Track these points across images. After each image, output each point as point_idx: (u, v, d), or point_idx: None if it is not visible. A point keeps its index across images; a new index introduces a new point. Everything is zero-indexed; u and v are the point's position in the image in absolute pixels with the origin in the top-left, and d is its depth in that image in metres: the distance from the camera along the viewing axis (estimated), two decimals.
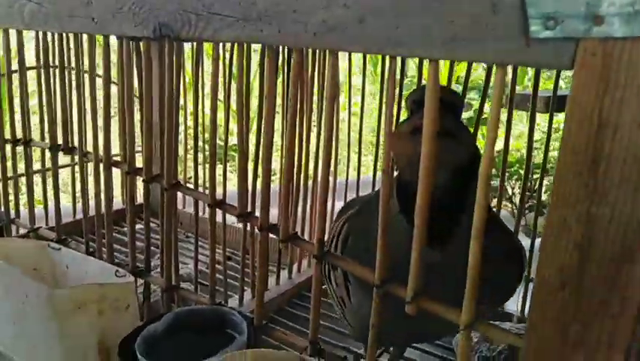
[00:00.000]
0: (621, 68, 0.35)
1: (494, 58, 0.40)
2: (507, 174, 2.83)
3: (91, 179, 0.87)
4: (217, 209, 0.70)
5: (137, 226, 1.13)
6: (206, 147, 1.36)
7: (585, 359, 0.42)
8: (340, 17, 0.47)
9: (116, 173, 0.84)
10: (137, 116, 0.87)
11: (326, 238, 0.63)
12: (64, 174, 1.53)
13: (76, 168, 1.23)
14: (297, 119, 0.96)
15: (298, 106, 0.96)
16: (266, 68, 0.57)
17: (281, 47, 0.81)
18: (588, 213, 0.39)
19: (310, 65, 1.00)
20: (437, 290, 0.50)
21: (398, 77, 0.98)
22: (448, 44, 0.42)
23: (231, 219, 1.33)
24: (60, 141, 0.91)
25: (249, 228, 0.95)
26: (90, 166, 1.02)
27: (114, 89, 0.85)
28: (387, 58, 0.48)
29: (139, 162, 0.79)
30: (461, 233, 0.58)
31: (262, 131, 0.62)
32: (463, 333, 0.49)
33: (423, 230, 0.50)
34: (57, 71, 0.87)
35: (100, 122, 0.80)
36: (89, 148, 0.85)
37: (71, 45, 0.92)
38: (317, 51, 0.96)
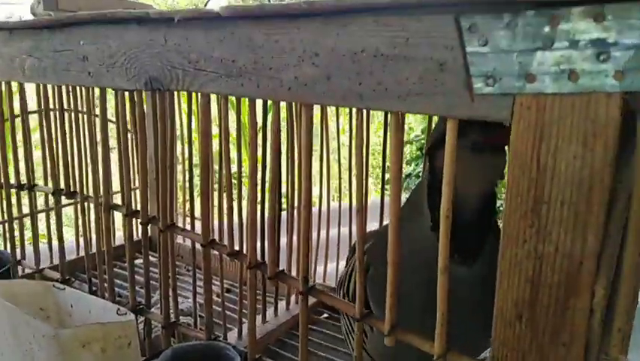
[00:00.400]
0: (553, 120, 0.39)
1: (444, 111, 0.44)
2: None
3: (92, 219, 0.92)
4: None
5: (138, 261, 1.18)
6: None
7: None
8: (310, 75, 0.52)
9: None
10: (135, 159, 0.92)
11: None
12: (69, 209, 1.58)
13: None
14: (289, 159, 1.01)
15: (287, 145, 1.00)
16: (248, 120, 0.62)
17: None
18: (536, 251, 0.42)
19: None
20: (465, 305, 0.52)
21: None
22: (404, 98, 0.46)
23: None
24: (62, 185, 0.95)
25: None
26: (91, 207, 1.07)
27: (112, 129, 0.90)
28: None
29: (139, 201, 0.83)
30: (488, 250, 0.61)
31: (248, 172, 0.66)
32: None
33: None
34: (57, 116, 0.92)
35: (100, 167, 0.85)
36: (90, 191, 0.90)
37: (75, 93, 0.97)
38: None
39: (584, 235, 0.40)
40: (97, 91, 0.88)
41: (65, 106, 0.94)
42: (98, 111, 0.89)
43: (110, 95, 0.85)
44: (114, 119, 0.87)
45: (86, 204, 1.04)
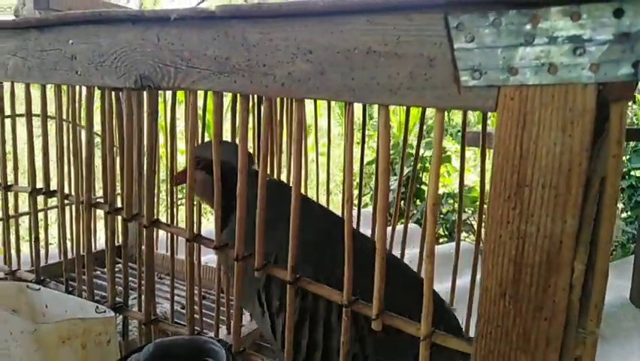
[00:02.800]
0: (535, 109, 0.43)
1: (432, 103, 0.48)
2: (472, 208, 2.97)
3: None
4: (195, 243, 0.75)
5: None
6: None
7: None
8: (303, 70, 0.55)
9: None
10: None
11: None
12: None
13: (49, 212, 1.27)
14: (269, 160, 1.03)
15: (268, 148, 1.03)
16: (238, 115, 0.64)
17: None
18: (519, 231, 0.46)
19: (279, 110, 1.07)
20: None
21: (359, 120, 1.06)
22: (395, 92, 0.49)
23: (204, 259, 1.37)
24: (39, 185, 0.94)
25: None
26: (69, 208, 1.06)
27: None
28: None
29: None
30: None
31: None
32: (423, 343, 0.55)
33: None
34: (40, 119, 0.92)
35: (83, 165, 0.85)
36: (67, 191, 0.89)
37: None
38: (284, 98, 1.03)
39: (564, 215, 0.43)
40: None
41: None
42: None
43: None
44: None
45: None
